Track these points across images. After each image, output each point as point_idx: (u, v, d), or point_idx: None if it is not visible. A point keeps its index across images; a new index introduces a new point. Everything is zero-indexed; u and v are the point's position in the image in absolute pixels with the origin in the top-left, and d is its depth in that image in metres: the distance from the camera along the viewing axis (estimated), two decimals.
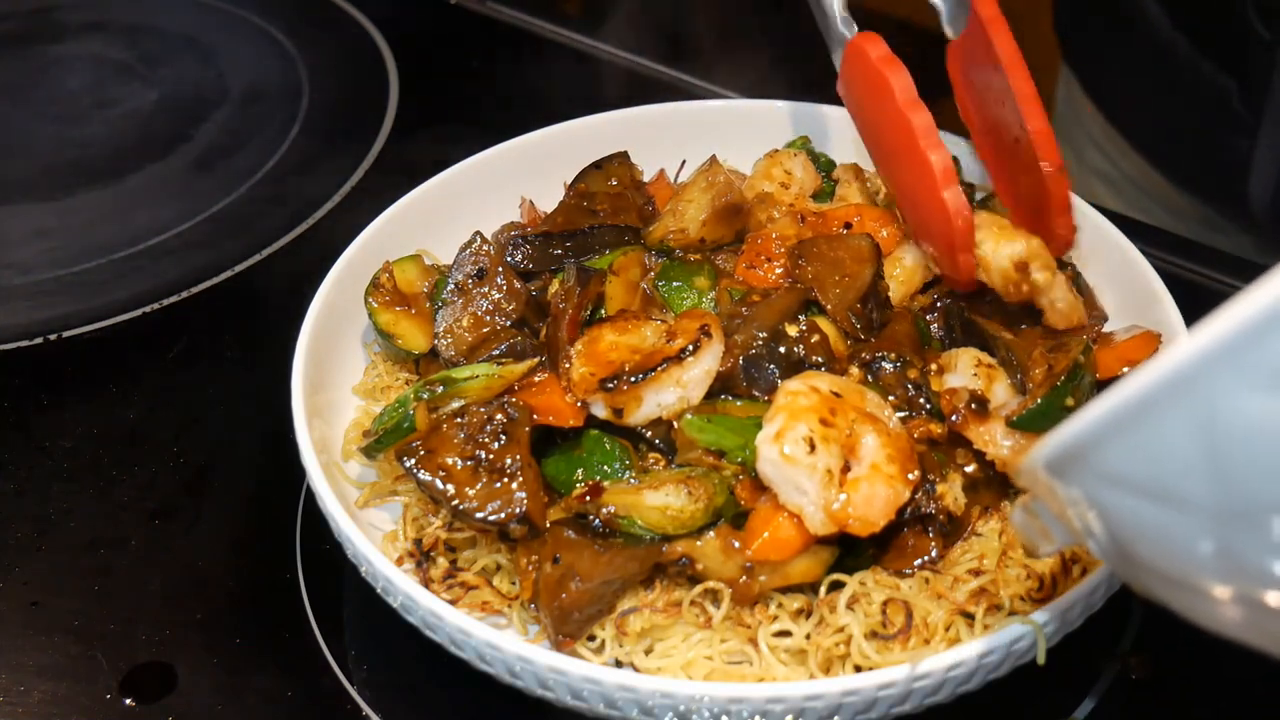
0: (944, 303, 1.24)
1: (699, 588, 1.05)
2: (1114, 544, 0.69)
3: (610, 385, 1.10)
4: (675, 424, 1.11)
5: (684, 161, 1.49)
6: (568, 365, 1.15)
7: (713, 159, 1.39)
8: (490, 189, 1.46)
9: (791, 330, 1.16)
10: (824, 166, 1.47)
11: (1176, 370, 0.57)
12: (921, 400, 1.13)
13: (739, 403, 1.13)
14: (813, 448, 1.01)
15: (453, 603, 1.06)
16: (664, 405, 1.11)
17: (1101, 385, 1.15)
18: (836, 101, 1.54)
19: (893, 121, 1.20)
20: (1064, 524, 0.76)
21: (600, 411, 1.12)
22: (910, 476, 1.05)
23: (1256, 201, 1.71)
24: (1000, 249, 1.18)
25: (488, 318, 1.25)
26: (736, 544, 1.04)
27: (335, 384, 1.28)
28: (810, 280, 1.22)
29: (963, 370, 1.14)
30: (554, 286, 1.24)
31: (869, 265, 1.21)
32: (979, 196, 1.43)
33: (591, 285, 1.22)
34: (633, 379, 1.10)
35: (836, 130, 1.46)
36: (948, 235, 1.18)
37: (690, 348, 1.11)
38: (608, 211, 1.35)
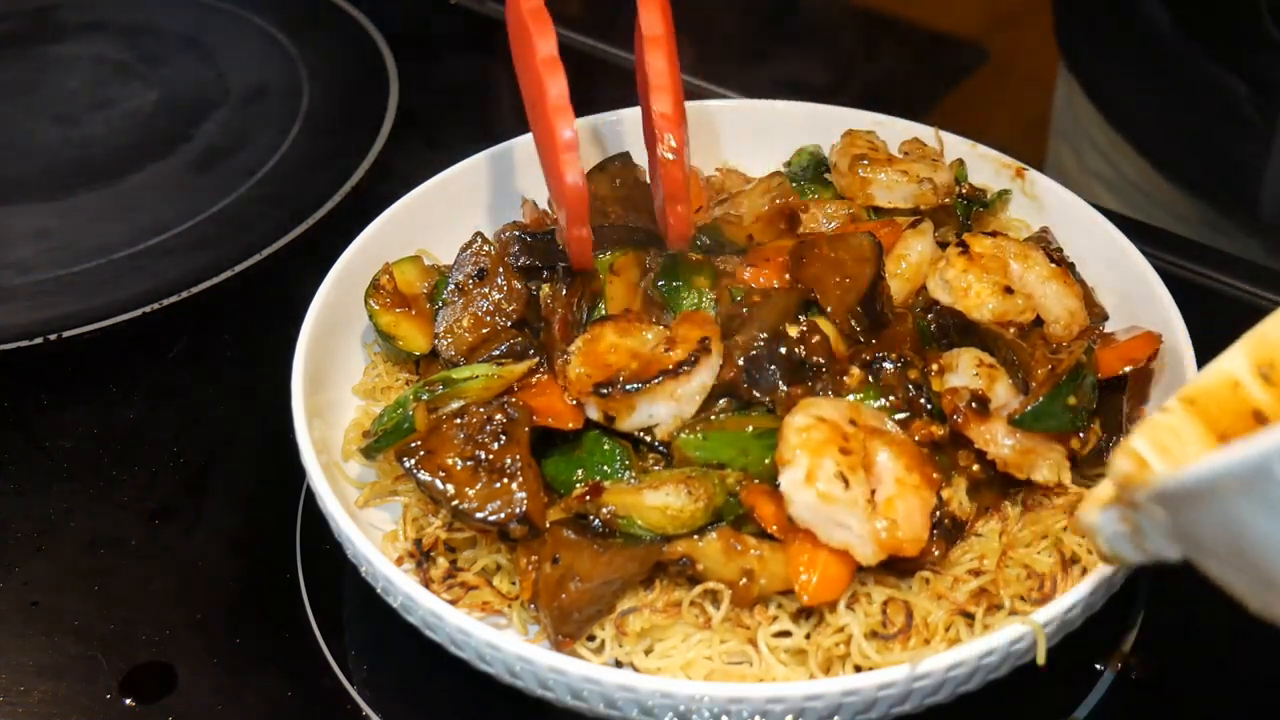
0: (937, 308, 1.24)
1: (699, 588, 1.05)
2: (1250, 568, 0.69)
3: (605, 391, 1.10)
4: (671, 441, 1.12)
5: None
6: (564, 362, 1.15)
7: (778, 173, 1.40)
8: (490, 189, 1.46)
9: (792, 331, 1.16)
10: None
11: None
12: (922, 401, 1.13)
13: (732, 415, 1.13)
14: (846, 482, 1.01)
15: (453, 603, 1.06)
16: (657, 415, 1.11)
17: (1102, 385, 1.15)
18: (837, 101, 1.54)
19: (533, 79, 1.19)
20: (1175, 541, 0.75)
21: (593, 414, 1.13)
22: (934, 478, 1.05)
23: (1266, 206, 1.70)
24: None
25: (488, 318, 1.25)
26: (738, 546, 1.04)
27: (335, 384, 1.28)
28: (810, 281, 1.22)
29: (964, 370, 1.14)
30: (545, 289, 1.25)
31: (870, 265, 1.21)
32: (989, 197, 1.43)
33: (578, 284, 1.22)
34: (627, 388, 1.10)
35: (838, 130, 1.46)
36: (563, 206, 1.18)
37: (686, 363, 1.11)
38: (619, 213, 1.35)
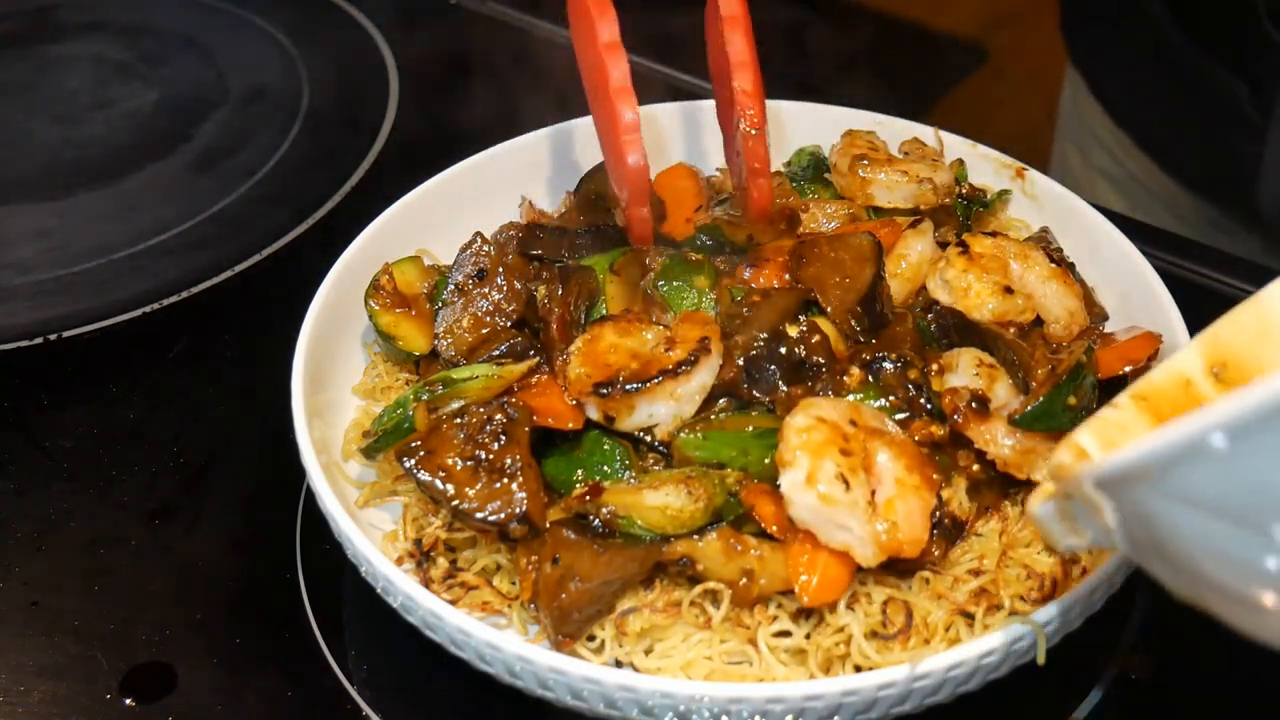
0: (937, 308, 1.24)
1: (699, 588, 1.05)
2: (1168, 556, 0.70)
3: (604, 391, 1.10)
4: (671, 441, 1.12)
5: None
6: (564, 361, 1.15)
7: (778, 173, 1.40)
8: (490, 189, 1.46)
9: (792, 331, 1.16)
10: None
11: (1259, 410, 0.57)
12: (922, 401, 1.13)
13: (732, 415, 1.13)
14: (847, 484, 1.01)
15: (453, 603, 1.06)
16: (656, 415, 1.12)
17: (1103, 385, 1.15)
18: (837, 102, 1.54)
19: (594, 63, 1.24)
20: (1106, 530, 0.76)
21: (593, 414, 1.13)
22: (934, 478, 1.05)
23: (1267, 204, 1.71)
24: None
25: (488, 318, 1.25)
26: (738, 546, 1.04)
27: (335, 384, 1.28)
28: (810, 281, 1.22)
29: (964, 370, 1.14)
30: (542, 290, 1.24)
31: (870, 265, 1.21)
32: (989, 198, 1.43)
33: (573, 283, 1.22)
34: (627, 388, 1.10)
35: (838, 131, 1.46)
36: (624, 187, 1.23)
37: (686, 363, 1.11)
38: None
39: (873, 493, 1.03)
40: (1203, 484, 0.63)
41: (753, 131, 1.23)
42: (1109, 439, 0.83)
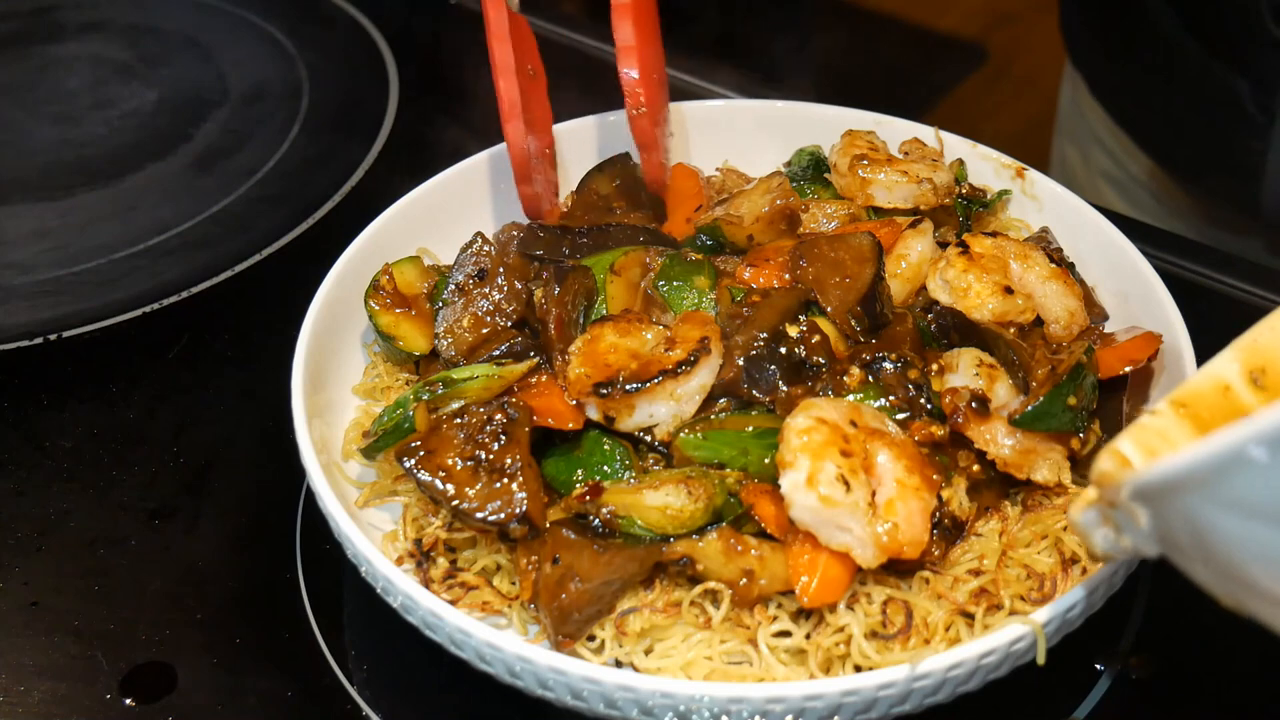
0: (937, 308, 1.24)
1: (699, 588, 1.05)
2: (1214, 563, 0.70)
3: (604, 391, 1.10)
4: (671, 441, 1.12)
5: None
6: (563, 362, 1.15)
7: (778, 173, 1.41)
8: (490, 189, 1.46)
9: (792, 331, 1.16)
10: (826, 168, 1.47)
11: None
12: (922, 401, 1.13)
13: (732, 415, 1.13)
14: (848, 485, 1.01)
15: (453, 603, 1.06)
16: (656, 415, 1.12)
17: (1103, 385, 1.15)
18: (837, 102, 1.54)
19: (490, 51, 1.35)
20: (1152, 537, 0.76)
21: (593, 414, 1.13)
22: (934, 479, 1.05)
23: (1268, 202, 1.71)
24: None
25: (488, 318, 1.25)
26: (738, 546, 1.04)
27: (335, 384, 1.28)
28: (810, 281, 1.22)
29: (964, 370, 1.14)
30: (539, 293, 1.25)
31: (870, 265, 1.21)
32: (989, 198, 1.42)
33: (569, 283, 1.22)
34: (627, 388, 1.10)
35: (838, 131, 1.46)
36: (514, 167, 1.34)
37: (686, 363, 1.11)
38: (624, 209, 1.37)
39: (873, 494, 1.03)
40: (1251, 491, 0.63)
41: (635, 112, 1.33)
42: (1150, 446, 0.83)
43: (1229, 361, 0.88)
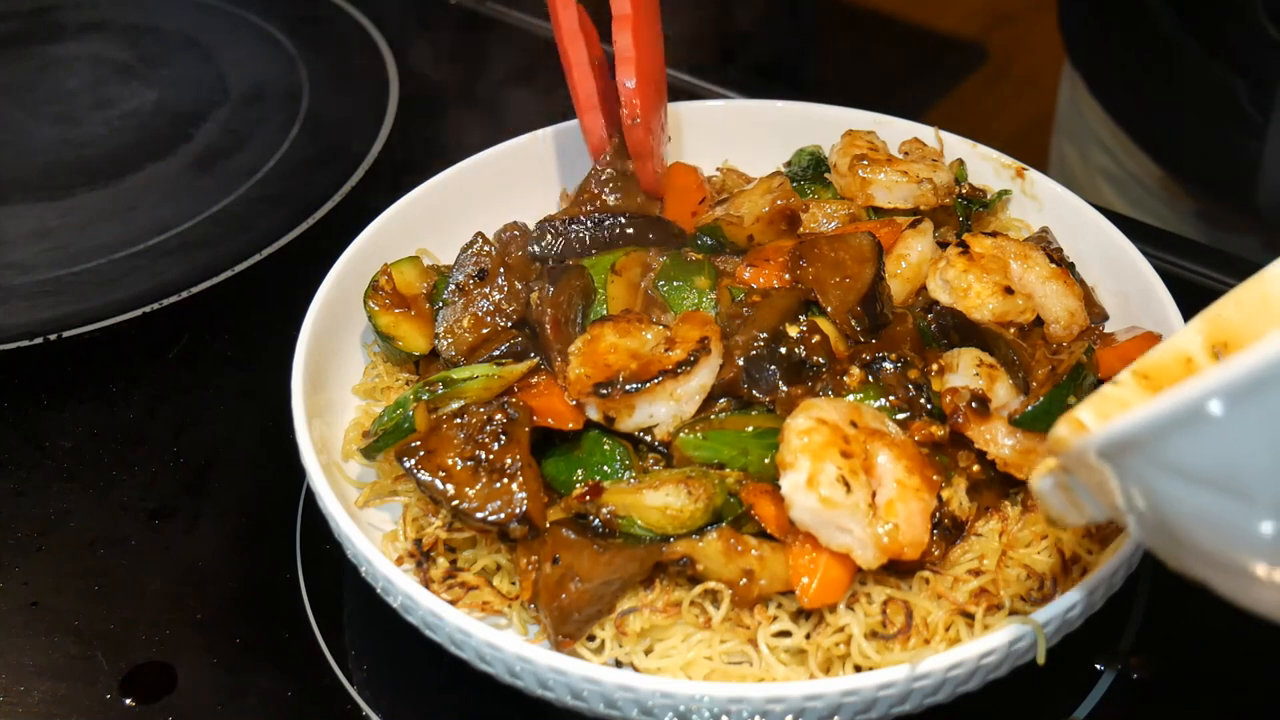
0: (937, 308, 1.24)
1: (699, 588, 1.05)
2: (1161, 526, 0.71)
3: (605, 391, 1.10)
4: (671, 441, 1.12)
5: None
6: (562, 362, 1.15)
7: (778, 173, 1.41)
8: (490, 189, 1.46)
9: (792, 331, 1.16)
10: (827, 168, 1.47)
11: (1250, 377, 0.58)
12: (922, 401, 1.13)
13: (732, 415, 1.13)
14: (848, 486, 1.00)
15: (453, 603, 1.06)
16: (656, 416, 1.12)
17: (1103, 385, 1.14)
18: (837, 102, 1.54)
19: (561, 49, 1.38)
20: (1103, 502, 0.76)
21: (593, 414, 1.13)
22: (934, 480, 1.05)
23: (1265, 201, 1.71)
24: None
25: (488, 318, 1.25)
26: (739, 546, 1.04)
27: (335, 384, 1.28)
28: (811, 281, 1.22)
29: (964, 370, 1.14)
30: (534, 296, 1.25)
31: (870, 265, 1.21)
32: (989, 198, 1.42)
33: (563, 284, 1.22)
34: (627, 388, 1.10)
35: (838, 131, 1.46)
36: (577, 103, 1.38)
37: (686, 363, 1.11)
38: (633, 207, 1.37)
39: (873, 494, 1.03)
40: (1195, 453, 0.64)
41: (631, 122, 1.35)
42: (1107, 413, 0.84)
43: (1193, 334, 0.89)
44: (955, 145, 1.47)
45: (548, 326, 1.20)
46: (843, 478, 1.00)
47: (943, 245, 1.29)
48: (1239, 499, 0.63)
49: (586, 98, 1.38)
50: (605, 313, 1.24)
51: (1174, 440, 0.64)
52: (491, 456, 1.08)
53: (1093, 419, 0.83)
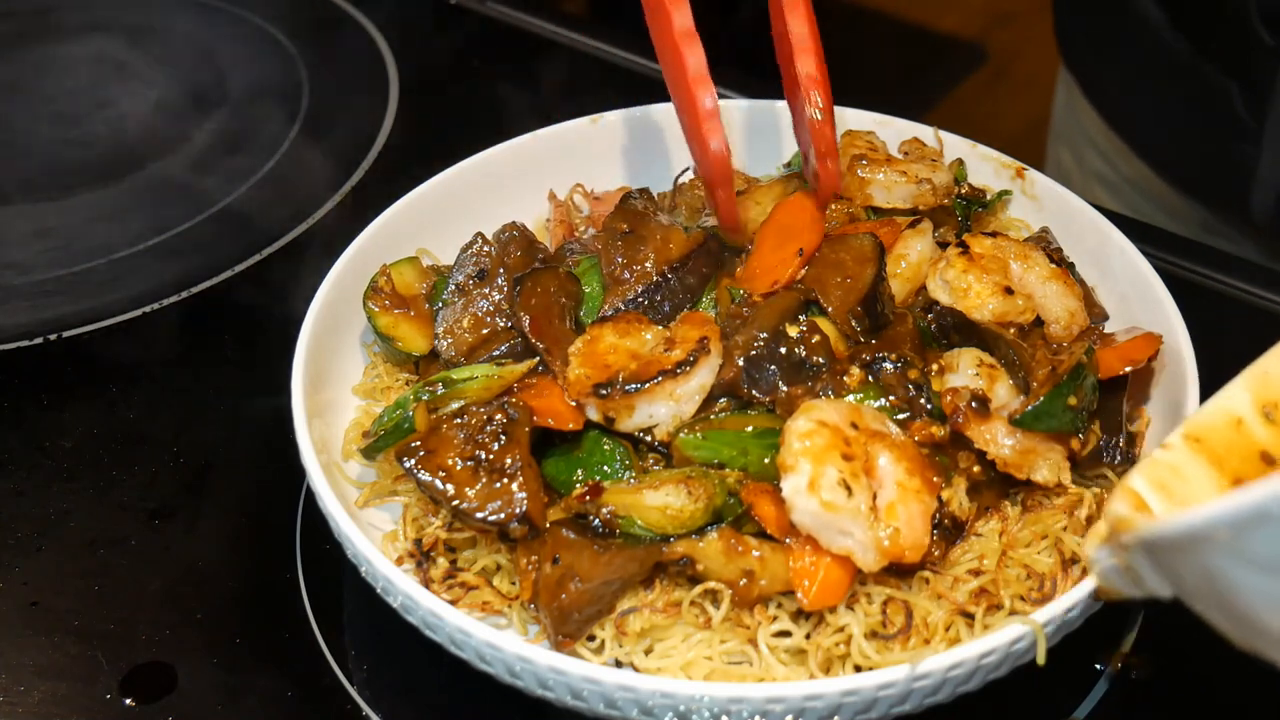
0: (937, 308, 1.24)
1: (699, 588, 1.05)
2: (1231, 611, 0.70)
3: (604, 391, 1.10)
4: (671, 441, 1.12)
5: (686, 168, 1.49)
6: (552, 360, 1.16)
7: (793, 177, 1.40)
8: (490, 189, 1.46)
9: (792, 331, 1.16)
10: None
11: None
12: (922, 401, 1.13)
13: (732, 415, 1.13)
14: (849, 490, 1.00)
15: (453, 603, 1.06)
16: (656, 416, 1.11)
17: (1103, 385, 1.15)
18: (837, 102, 1.54)
19: (671, 52, 1.24)
20: (1167, 582, 0.76)
21: (593, 415, 1.13)
22: (935, 481, 1.05)
23: (1259, 206, 1.71)
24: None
25: (488, 318, 1.25)
26: (739, 546, 1.04)
27: (335, 384, 1.28)
28: (812, 281, 1.22)
29: (964, 370, 1.14)
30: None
31: (871, 265, 1.21)
32: (989, 198, 1.42)
33: (529, 287, 1.21)
34: (627, 388, 1.10)
35: (838, 130, 1.46)
36: (707, 172, 1.24)
37: (685, 363, 1.11)
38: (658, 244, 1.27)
39: (874, 496, 1.03)
40: (1269, 547, 0.63)
41: (819, 116, 1.24)
42: (1164, 483, 0.83)
43: (1240, 391, 0.88)
44: (955, 145, 1.47)
45: (527, 330, 1.19)
46: (844, 481, 1.00)
47: (943, 245, 1.29)
48: None
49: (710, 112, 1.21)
50: (596, 310, 1.24)
51: (1250, 534, 0.64)
52: (491, 456, 1.08)
53: (1150, 491, 0.83)
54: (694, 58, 1.22)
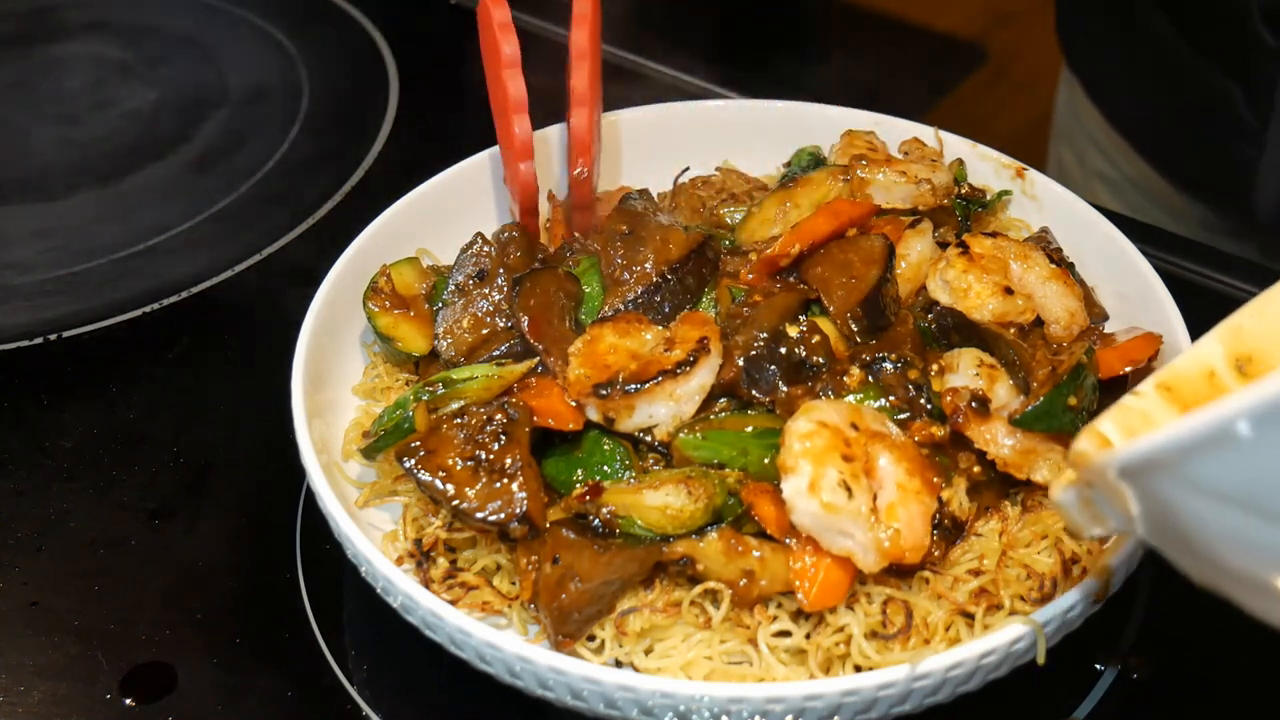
0: (937, 308, 1.24)
1: (699, 588, 1.05)
2: (1185, 543, 0.70)
3: (604, 392, 1.10)
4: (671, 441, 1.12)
5: (686, 168, 1.49)
6: (552, 360, 1.16)
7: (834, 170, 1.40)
8: (490, 189, 1.46)
9: (792, 331, 1.16)
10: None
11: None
12: (923, 401, 1.13)
13: (732, 415, 1.13)
14: (850, 491, 1.00)
15: (453, 603, 1.06)
16: (656, 416, 1.11)
17: (1103, 385, 1.15)
18: (837, 102, 1.54)
19: (498, 86, 1.35)
20: (1127, 517, 0.76)
21: (593, 415, 1.13)
22: (935, 482, 1.05)
23: (1261, 207, 1.71)
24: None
25: (488, 319, 1.25)
26: (739, 547, 1.04)
27: (335, 384, 1.28)
28: (816, 280, 1.22)
29: (964, 371, 1.14)
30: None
31: (877, 267, 1.21)
32: (989, 198, 1.42)
33: (527, 288, 1.21)
34: (627, 388, 1.10)
35: (838, 131, 1.46)
36: (521, 200, 1.34)
37: (685, 363, 1.11)
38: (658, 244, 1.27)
39: (874, 497, 1.03)
40: (1223, 474, 0.64)
41: (577, 174, 1.35)
42: (1131, 427, 0.83)
43: (1214, 345, 0.88)
44: (955, 145, 1.47)
45: (526, 331, 1.19)
46: (844, 482, 1.00)
47: (943, 245, 1.29)
48: (1266, 519, 0.63)
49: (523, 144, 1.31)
50: (597, 310, 1.24)
51: (1201, 460, 0.64)
52: (491, 456, 1.08)
53: (1117, 434, 0.83)
54: (514, 86, 1.31)
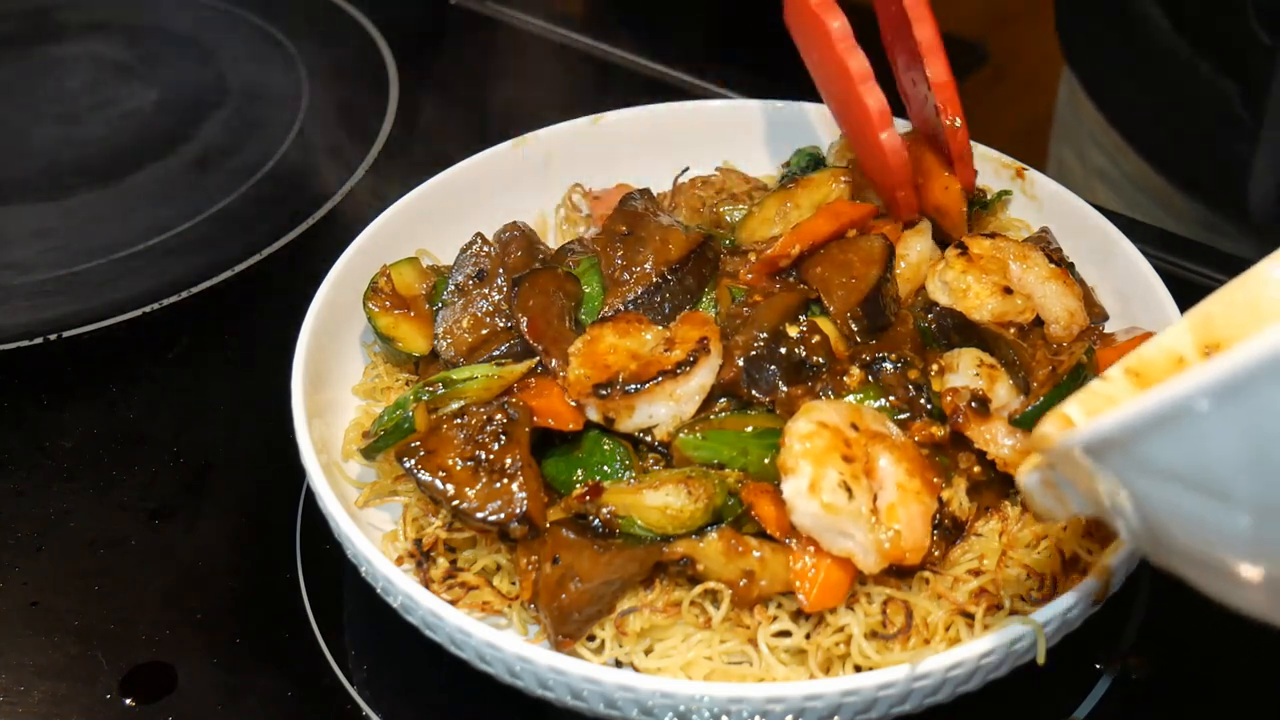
0: (937, 308, 1.24)
1: (699, 588, 1.05)
2: (1144, 525, 0.70)
3: (604, 392, 1.10)
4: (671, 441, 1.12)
5: (686, 168, 1.49)
6: (550, 359, 1.16)
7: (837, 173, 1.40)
8: (490, 189, 1.46)
9: (792, 331, 1.16)
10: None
11: (1233, 377, 0.57)
12: (922, 401, 1.13)
13: (732, 415, 1.13)
14: (850, 492, 1.00)
15: (453, 603, 1.06)
16: (656, 416, 1.12)
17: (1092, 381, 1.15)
18: None
19: (832, 65, 1.26)
20: (1088, 498, 0.76)
21: (593, 415, 1.13)
22: (935, 482, 1.05)
23: (1256, 205, 1.71)
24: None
25: (488, 319, 1.25)
26: (739, 547, 1.04)
27: (335, 384, 1.28)
28: (816, 280, 1.22)
29: (964, 371, 1.14)
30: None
31: (877, 267, 1.21)
32: (988, 197, 1.42)
33: (526, 289, 1.21)
34: (627, 389, 1.10)
35: (837, 131, 1.46)
36: (886, 174, 1.25)
37: (685, 363, 1.11)
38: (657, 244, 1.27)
39: (874, 497, 1.03)
40: (1173, 453, 0.64)
41: (950, 124, 1.27)
42: (1095, 410, 0.83)
43: (1183, 332, 0.88)
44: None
45: (525, 331, 1.19)
46: (844, 483, 1.00)
47: (942, 246, 1.29)
48: (1218, 499, 0.63)
49: (880, 114, 1.24)
50: (597, 310, 1.24)
51: (1155, 440, 0.64)
52: (491, 456, 1.08)
53: (1080, 415, 0.83)
54: (855, 61, 1.24)
